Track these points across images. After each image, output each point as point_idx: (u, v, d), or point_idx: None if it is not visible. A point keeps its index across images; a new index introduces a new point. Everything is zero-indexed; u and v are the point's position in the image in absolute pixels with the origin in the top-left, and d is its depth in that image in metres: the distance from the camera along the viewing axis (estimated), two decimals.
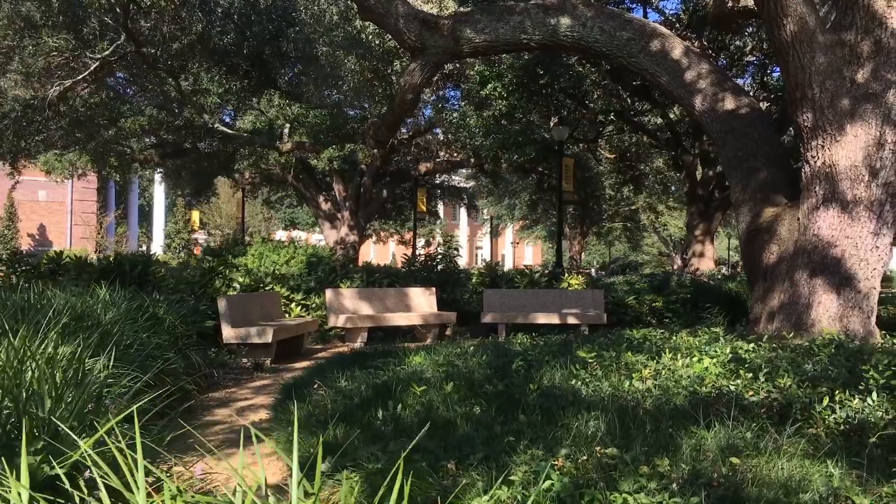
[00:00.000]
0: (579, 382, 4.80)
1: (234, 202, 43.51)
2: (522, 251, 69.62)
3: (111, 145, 18.79)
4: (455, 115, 16.26)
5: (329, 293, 11.36)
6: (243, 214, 32.07)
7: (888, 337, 6.88)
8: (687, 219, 20.54)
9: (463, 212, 56.06)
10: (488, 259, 62.56)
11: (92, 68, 11.84)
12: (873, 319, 6.83)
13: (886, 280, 48.03)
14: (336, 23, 12.69)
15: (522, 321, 12.03)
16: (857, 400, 4.20)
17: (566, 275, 14.14)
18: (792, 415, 4.30)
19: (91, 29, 12.27)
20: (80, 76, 11.77)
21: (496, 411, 4.46)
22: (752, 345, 6.08)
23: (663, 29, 8.64)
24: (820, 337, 6.33)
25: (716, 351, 5.49)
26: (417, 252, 24.83)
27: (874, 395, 4.20)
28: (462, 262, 51.09)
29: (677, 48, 8.44)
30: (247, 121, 17.45)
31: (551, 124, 19.55)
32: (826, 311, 6.69)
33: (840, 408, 4.26)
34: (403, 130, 26.00)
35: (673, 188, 33.39)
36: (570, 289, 13.65)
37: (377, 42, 12.57)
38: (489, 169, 25.89)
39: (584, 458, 3.41)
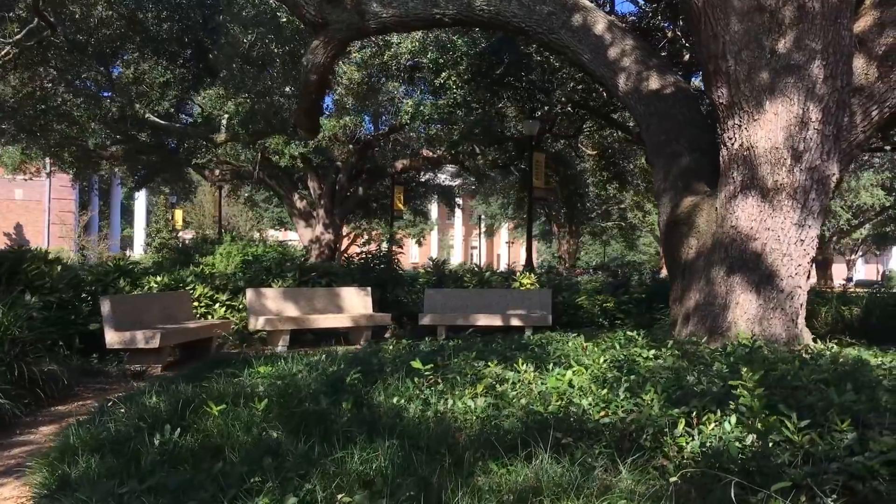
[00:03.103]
0: (403, 400, 4.03)
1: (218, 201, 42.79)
2: (518, 251, 68.69)
3: (65, 140, 18.07)
4: (410, 103, 15.48)
5: (250, 293, 10.60)
6: (220, 213, 31.37)
7: (818, 342, 6.08)
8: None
9: (458, 211, 55.21)
10: (483, 259, 61.67)
11: (3, 53, 11.12)
12: (800, 322, 6.02)
13: (887, 279, 47.11)
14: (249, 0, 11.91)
15: (463, 322, 11.27)
16: (712, 425, 3.41)
17: (518, 274, 13.34)
18: (642, 441, 3.52)
19: (5, 13, 11.55)
20: None
21: (289, 435, 3.69)
22: (651, 351, 5.30)
23: (585, 1, 7.85)
24: (734, 342, 5.54)
25: (591, 360, 4.70)
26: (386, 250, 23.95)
27: (733, 418, 3.41)
28: (455, 262, 50.24)
29: (600, 23, 7.65)
30: (197, 112, 16.70)
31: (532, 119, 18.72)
32: (744, 312, 5.89)
33: (698, 433, 3.48)
34: (382, 127, 25.26)
35: None
36: (522, 288, 12.88)
37: (287, 19, 11.74)
38: (470, 166, 25.13)
39: None
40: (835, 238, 40.12)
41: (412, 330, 12.10)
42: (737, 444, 3.32)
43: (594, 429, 3.66)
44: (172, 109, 15.64)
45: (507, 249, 67.12)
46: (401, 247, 13.99)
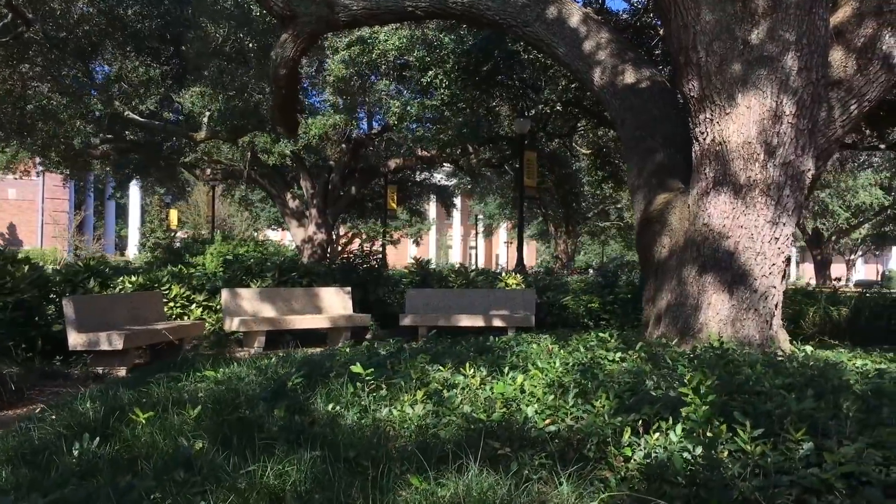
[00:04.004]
0: (340, 406, 3.81)
1: (217, 201, 42.56)
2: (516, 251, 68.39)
3: (51, 139, 17.85)
4: (396, 104, 15.25)
5: (225, 294, 10.39)
6: (213, 212, 31.18)
7: (794, 344, 5.86)
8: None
9: (456, 211, 54.90)
10: (482, 259, 61.41)
11: None
12: (774, 323, 5.79)
13: (886, 279, 46.70)
14: None
15: (444, 323, 11.05)
16: (657, 434, 3.19)
17: (504, 274, 13.12)
18: (585, 450, 3.30)
19: None
20: None
21: (214, 445, 3.47)
22: (618, 354, 5.08)
23: None
24: (704, 345, 5.32)
25: (549, 363, 4.48)
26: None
27: (678, 427, 3.19)
28: (454, 261, 49.99)
29: (575, 15, 7.43)
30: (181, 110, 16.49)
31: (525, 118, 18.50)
32: (717, 313, 5.66)
33: (645, 443, 3.26)
34: (376, 124, 25.02)
35: None
36: (506, 289, 12.66)
37: (259, 13, 11.50)
38: (463, 165, 24.89)
39: None
40: (834, 238, 39.84)
41: (394, 331, 11.89)
42: (685, 454, 3.10)
43: (538, 437, 3.44)
44: (156, 107, 15.44)
45: (506, 249, 66.84)
46: (384, 246, 13.76)
